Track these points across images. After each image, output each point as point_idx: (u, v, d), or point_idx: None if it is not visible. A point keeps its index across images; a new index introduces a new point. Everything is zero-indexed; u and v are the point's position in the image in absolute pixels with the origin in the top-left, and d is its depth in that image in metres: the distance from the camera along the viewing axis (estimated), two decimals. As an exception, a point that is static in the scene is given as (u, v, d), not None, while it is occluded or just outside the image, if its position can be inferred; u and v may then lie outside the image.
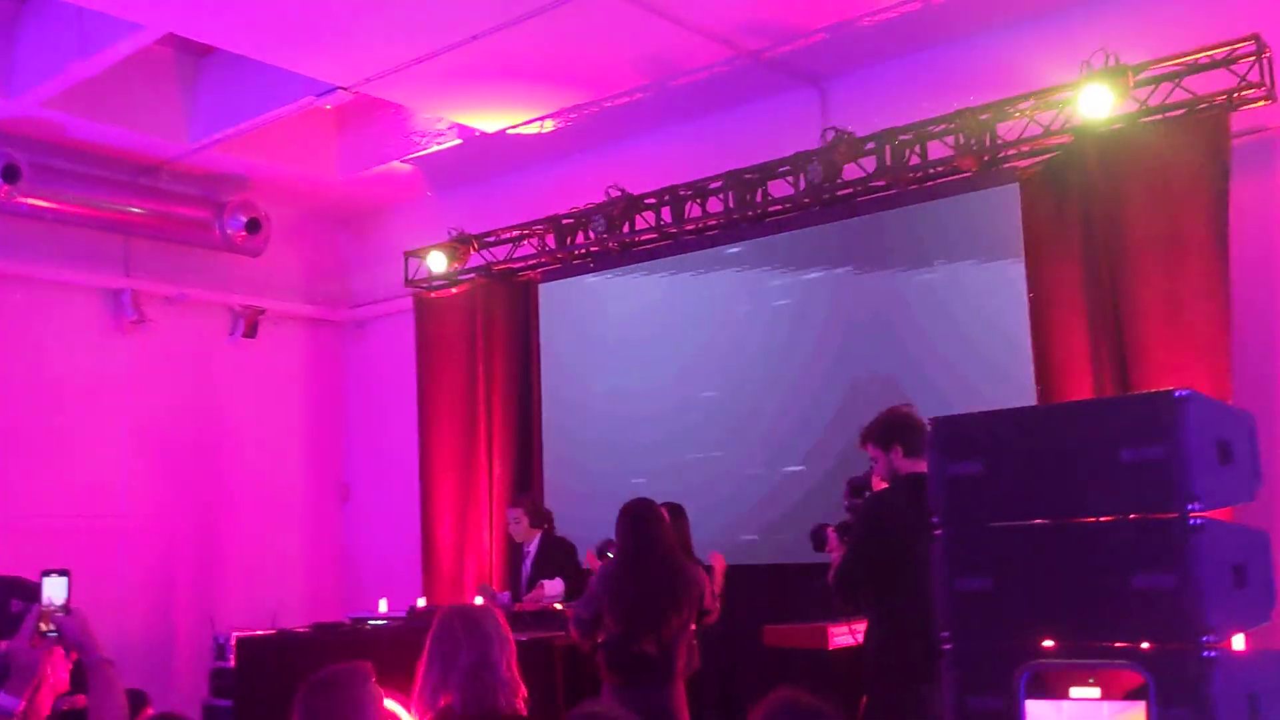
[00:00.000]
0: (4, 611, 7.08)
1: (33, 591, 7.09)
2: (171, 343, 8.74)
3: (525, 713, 3.16)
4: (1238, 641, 2.95)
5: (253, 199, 8.70)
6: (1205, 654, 2.66)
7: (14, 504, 7.76)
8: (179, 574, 8.68)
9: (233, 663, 7.02)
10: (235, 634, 7.14)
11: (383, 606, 6.92)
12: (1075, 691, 0.83)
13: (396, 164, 8.50)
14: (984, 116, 6.09)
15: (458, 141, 7.94)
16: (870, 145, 6.45)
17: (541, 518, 6.74)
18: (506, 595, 6.42)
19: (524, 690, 3.20)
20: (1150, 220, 5.66)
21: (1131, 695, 0.82)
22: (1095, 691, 0.82)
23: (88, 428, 8.27)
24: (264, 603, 8.31)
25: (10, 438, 7.86)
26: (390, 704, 5.30)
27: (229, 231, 8.57)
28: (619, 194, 7.42)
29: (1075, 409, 3.76)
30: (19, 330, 7.99)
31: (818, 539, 4.58)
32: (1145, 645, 2.83)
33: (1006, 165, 6.23)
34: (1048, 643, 2.90)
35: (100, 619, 8.42)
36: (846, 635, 4.55)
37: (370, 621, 6.42)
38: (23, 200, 7.52)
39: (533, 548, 6.64)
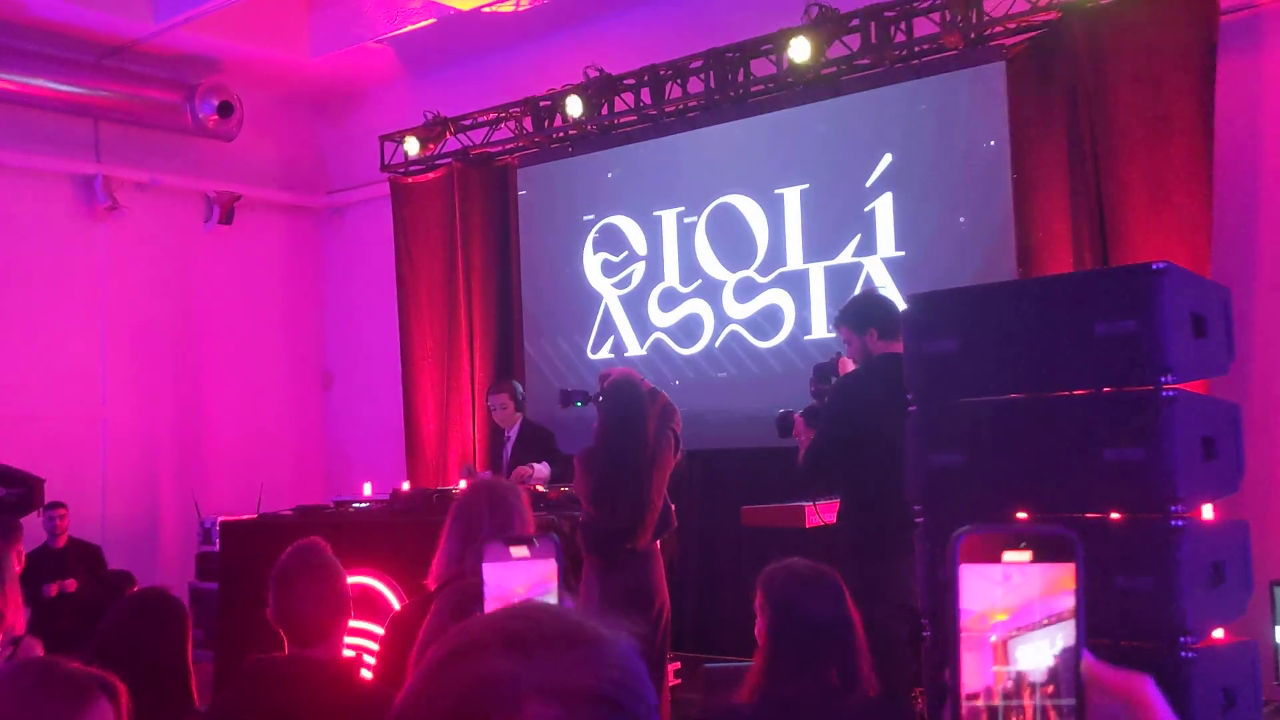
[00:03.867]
0: (-10, 497, 7.03)
1: (18, 479, 7.11)
2: (146, 229, 8.63)
3: None
4: (1206, 511, 2.99)
5: (224, 81, 8.51)
6: (1173, 523, 2.70)
7: (-7, 393, 7.74)
8: (162, 461, 8.71)
9: (218, 546, 7.08)
10: (220, 518, 7.19)
11: (367, 490, 6.95)
12: (1008, 555, 0.83)
13: (370, 45, 8.29)
14: (971, -8, 5.95)
15: (432, 20, 7.73)
16: (855, 22, 6.30)
17: (522, 403, 6.75)
18: (488, 475, 6.47)
19: None
20: (1136, 99, 5.59)
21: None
22: (1027, 555, 0.82)
23: (64, 317, 8.21)
24: (248, 488, 8.34)
25: (-15, 327, 7.81)
26: (371, 581, 5.37)
27: (201, 115, 8.39)
28: (597, 74, 7.27)
29: (1050, 283, 3.74)
30: (-11, 217, 7.87)
31: (784, 425, 4.60)
32: (1115, 516, 2.87)
33: (993, 43, 6.11)
34: (1021, 515, 2.94)
35: (86, 506, 8.52)
36: (816, 515, 4.61)
37: (354, 504, 6.45)
38: (-15, 82, 7.33)
39: (513, 433, 6.66)
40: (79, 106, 8.04)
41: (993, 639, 0.85)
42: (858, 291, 5.97)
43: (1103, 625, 2.75)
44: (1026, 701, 0.84)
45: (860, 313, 4.39)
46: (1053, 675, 0.84)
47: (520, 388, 6.82)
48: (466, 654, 0.84)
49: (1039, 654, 0.85)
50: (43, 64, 7.76)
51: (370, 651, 4.60)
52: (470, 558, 3.03)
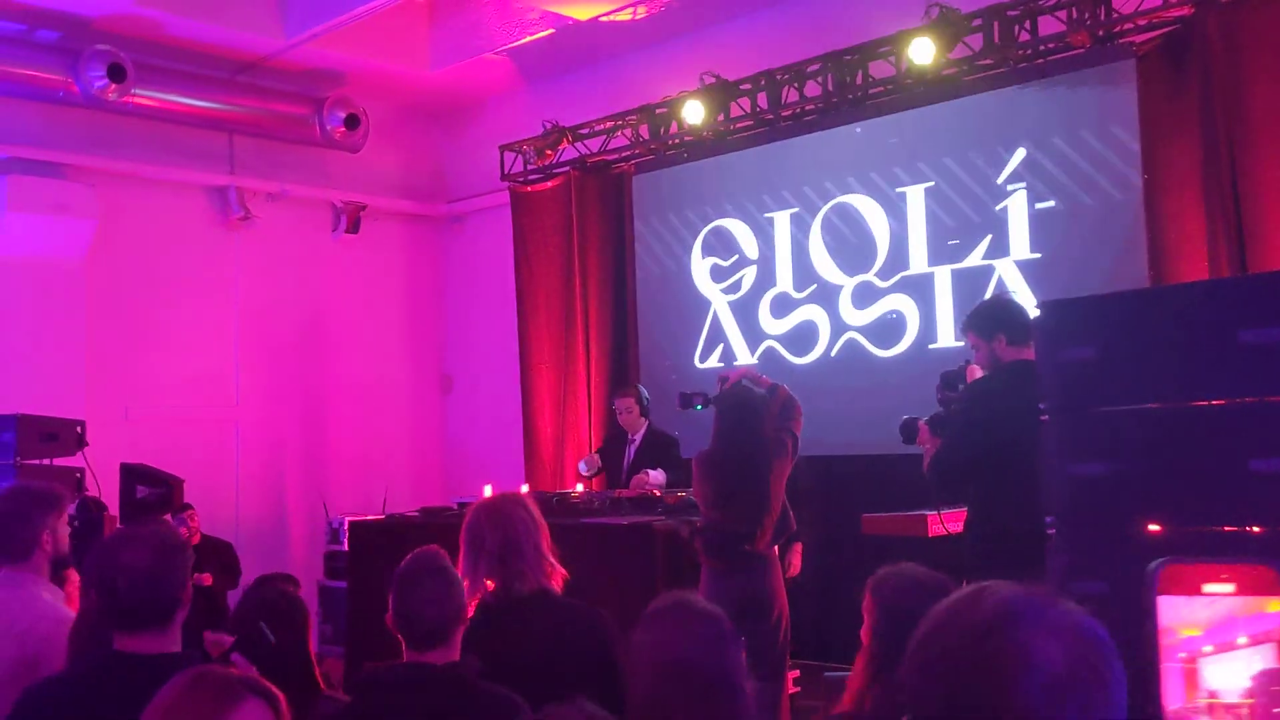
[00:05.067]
0: (130, 497, 7.42)
1: (159, 479, 7.38)
2: (276, 239, 8.94)
3: (560, 591, 3.20)
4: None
5: (350, 95, 8.77)
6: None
7: (134, 396, 8.10)
8: (291, 462, 9.01)
9: (346, 546, 7.30)
10: (347, 518, 7.40)
11: (487, 492, 7.08)
12: (1208, 587, 0.80)
13: (489, 56, 8.46)
14: (1099, -11, 5.82)
15: (550, 31, 7.85)
16: (977, 22, 6.21)
17: (647, 408, 6.77)
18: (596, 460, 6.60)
19: (561, 571, 3.22)
20: (1274, 96, 5.40)
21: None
22: (1229, 587, 0.78)
23: (200, 322, 8.56)
24: (373, 489, 8.60)
25: (127, 333, 8.17)
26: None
27: (328, 127, 8.67)
28: (713, 80, 7.29)
29: (1192, 289, 3.64)
30: (131, 228, 8.23)
31: (908, 432, 4.54)
32: (1256, 529, 2.77)
33: (1122, 40, 5.96)
34: (1153, 527, 2.86)
35: (220, 506, 8.82)
36: (940, 524, 4.55)
37: (475, 507, 6.58)
38: (129, 99, 7.68)
39: (638, 437, 6.69)
40: (214, 121, 8.37)
41: (1181, 655, 0.84)
42: (987, 296, 5.86)
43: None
44: None
45: (988, 318, 4.32)
46: (1249, 698, 0.82)
47: (646, 392, 6.82)
48: (985, 590, 1.07)
49: (1233, 675, 0.83)
50: (180, 81, 8.10)
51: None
52: (482, 575, 3.13)
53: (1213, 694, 0.82)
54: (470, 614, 3.12)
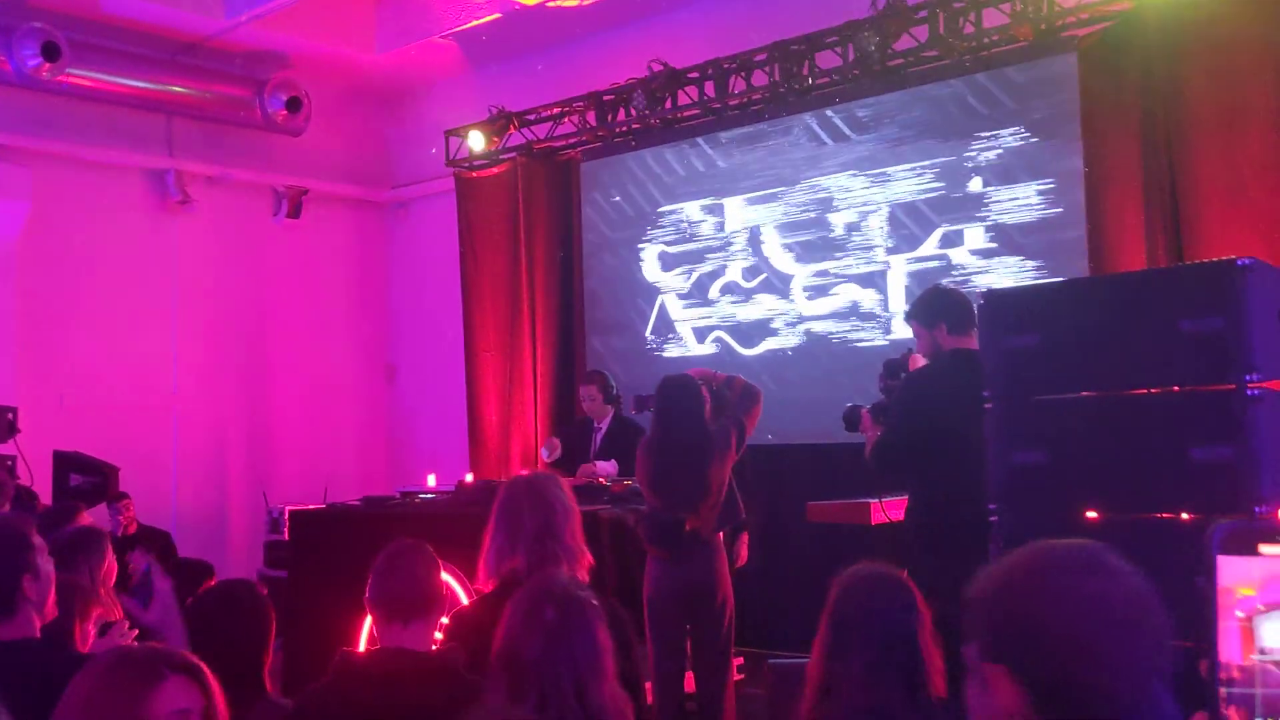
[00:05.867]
0: (64, 485, 7.26)
1: (94, 467, 7.21)
2: (216, 223, 8.78)
3: (587, 580, 3.18)
4: (1292, 513, 2.93)
5: (293, 77, 8.63)
6: (1256, 525, 2.65)
7: (68, 383, 7.93)
8: (231, 450, 8.87)
9: (286, 535, 7.19)
10: (288, 507, 7.30)
11: (430, 481, 7.02)
12: (1265, 548, 0.83)
13: (435, 40, 8.37)
14: (1042, -17, 5.88)
15: (496, 15, 7.78)
16: (922, 14, 6.25)
17: (613, 395, 6.68)
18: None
19: (589, 558, 3.20)
20: (1212, 92, 5.49)
21: None
22: None
23: (137, 307, 8.39)
24: (315, 478, 8.49)
25: (61, 318, 7.99)
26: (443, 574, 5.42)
27: (270, 110, 8.53)
28: (661, 68, 7.27)
29: (1133, 279, 3.69)
30: (67, 211, 8.05)
31: (851, 420, 4.57)
32: (1185, 516, 2.81)
33: (1065, 34, 6.03)
34: (1091, 514, 2.90)
35: (157, 494, 8.63)
36: (882, 512, 4.59)
37: (419, 495, 6.53)
38: (64, 79, 7.50)
39: (604, 424, 6.61)
40: (152, 102, 8.21)
41: (1239, 614, 0.85)
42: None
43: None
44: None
45: (929, 306, 4.34)
46: None
47: (611, 379, 6.73)
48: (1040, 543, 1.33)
49: None
50: (118, 61, 7.92)
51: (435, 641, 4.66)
52: (521, 555, 3.08)
53: (1265, 651, 0.84)
54: (489, 591, 3.11)
